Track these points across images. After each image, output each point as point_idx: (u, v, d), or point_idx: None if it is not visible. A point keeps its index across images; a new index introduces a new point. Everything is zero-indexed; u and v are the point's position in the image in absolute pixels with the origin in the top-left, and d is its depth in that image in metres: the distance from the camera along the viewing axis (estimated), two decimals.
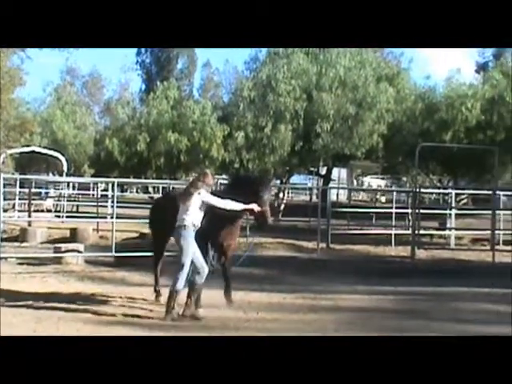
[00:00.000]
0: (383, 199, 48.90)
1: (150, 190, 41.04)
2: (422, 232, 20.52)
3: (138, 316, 9.96)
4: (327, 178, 39.06)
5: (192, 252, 9.88)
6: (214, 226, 10.26)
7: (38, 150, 33.34)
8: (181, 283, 9.90)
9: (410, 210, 23.59)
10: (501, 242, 21.90)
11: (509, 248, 20.65)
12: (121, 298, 11.41)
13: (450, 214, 23.84)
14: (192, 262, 9.89)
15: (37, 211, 27.02)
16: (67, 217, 26.11)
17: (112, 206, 19.15)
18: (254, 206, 10.16)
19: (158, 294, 11.42)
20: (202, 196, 9.98)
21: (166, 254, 12.12)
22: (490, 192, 21.85)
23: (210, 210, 10.09)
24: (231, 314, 10.13)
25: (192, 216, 9.93)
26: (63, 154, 33.94)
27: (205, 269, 10.02)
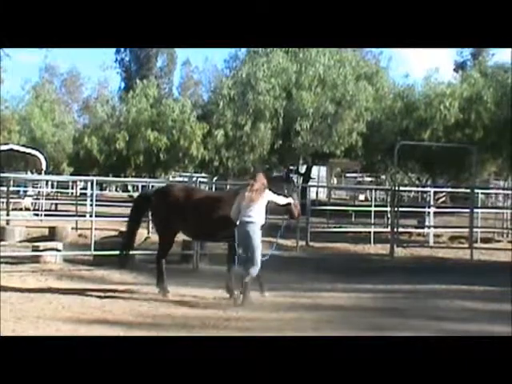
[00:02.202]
0: (362, 197, 49.03)
1: (130, 188, 40.98)
2: (400, 230, 20.62)
3: (117, 315, 9.94)
4: (307, 176, 39.13)
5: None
6: None
7: (16, 148, 33.16)
8: (256, 271, 11.11)
9: (389, 208, 23.69)
10: (478, 239, 22.11)
11: (486, 246, 20.87)
12: (100, 296, 11.37)
13: (429, 212, 23.98)
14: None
15: (15, 210, 26.84)
16: (46, 215, 25.96)
17: (91, 205, 19.11)
18: (291, 200, 11.87)
19: (165, 291, 11.51)
20: (266, 195, 11.22)
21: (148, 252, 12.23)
22: (468, 190, 22.02)
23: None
24: (211, 313, 10.14)
25: (259, 213, 11.10)
26: (42, 153, 33.80)
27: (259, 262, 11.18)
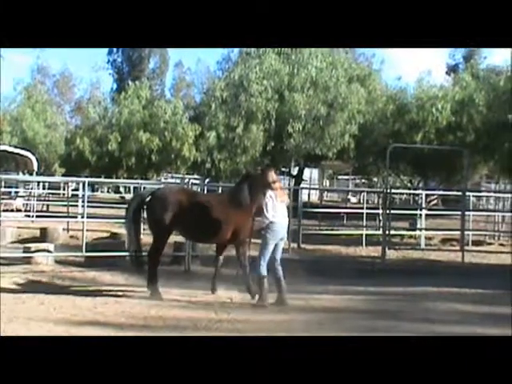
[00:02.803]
0: (354, 199, 49.06)
1: (121, 189, 40.90)
2: (392, 232, 20.63)
3: (109, 316, 9.92)
4: (299, 179, 39.17)
5: None
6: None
7: (7, 148, 33.04)
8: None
9: (380, 211, 23.72)
10: (470, 242, 22.15)
11: (478, 248, 20.91)
12: (91, 298, 11.35)
13: (421, 215, 24.02)
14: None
15: (6, 211, 26.75)
16: (37, 216, 25.92)
17: (83, 206, 19.08)
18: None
19: (157, 292, 11.57)
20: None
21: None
22: (460, 193, 22.05)
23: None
24: (202, 315, 10.13)
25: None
26: (33, 153, 33.72)
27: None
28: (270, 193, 11.13)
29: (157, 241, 11.91)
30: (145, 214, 12.40)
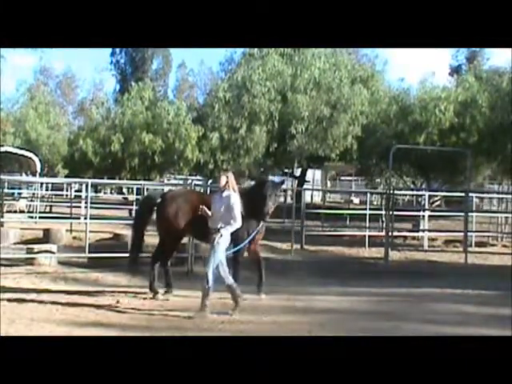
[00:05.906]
0: (356, 201, 49.01)
1: (124, 190, 40.90)
2: (395, 233, 20.61)
3: (111, 317, 9.92)
4: (302, 180, 39.16)
5: None
6: None
7: (11, 149, 33.06)
8: None
9: (383, 212, 23.68)
10: (473, 243, 22.09)
11: (481, 250, 20.87)
12: (94, 299, 11.35)
13: (424, 216, 23.98)
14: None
15: (9, 212, 26.74)
16: (40, 217, 25.89)
17: (86, 207, 19.05)
18: None
19: (156, 292, 11.63)
20: None
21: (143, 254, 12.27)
22: (463, 194, 22.02)
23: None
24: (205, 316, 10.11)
25: None
26: (37, 155, 33.74)
27: None
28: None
29: (168, 243, 11.89)
30: (154, 216, 12.36)
